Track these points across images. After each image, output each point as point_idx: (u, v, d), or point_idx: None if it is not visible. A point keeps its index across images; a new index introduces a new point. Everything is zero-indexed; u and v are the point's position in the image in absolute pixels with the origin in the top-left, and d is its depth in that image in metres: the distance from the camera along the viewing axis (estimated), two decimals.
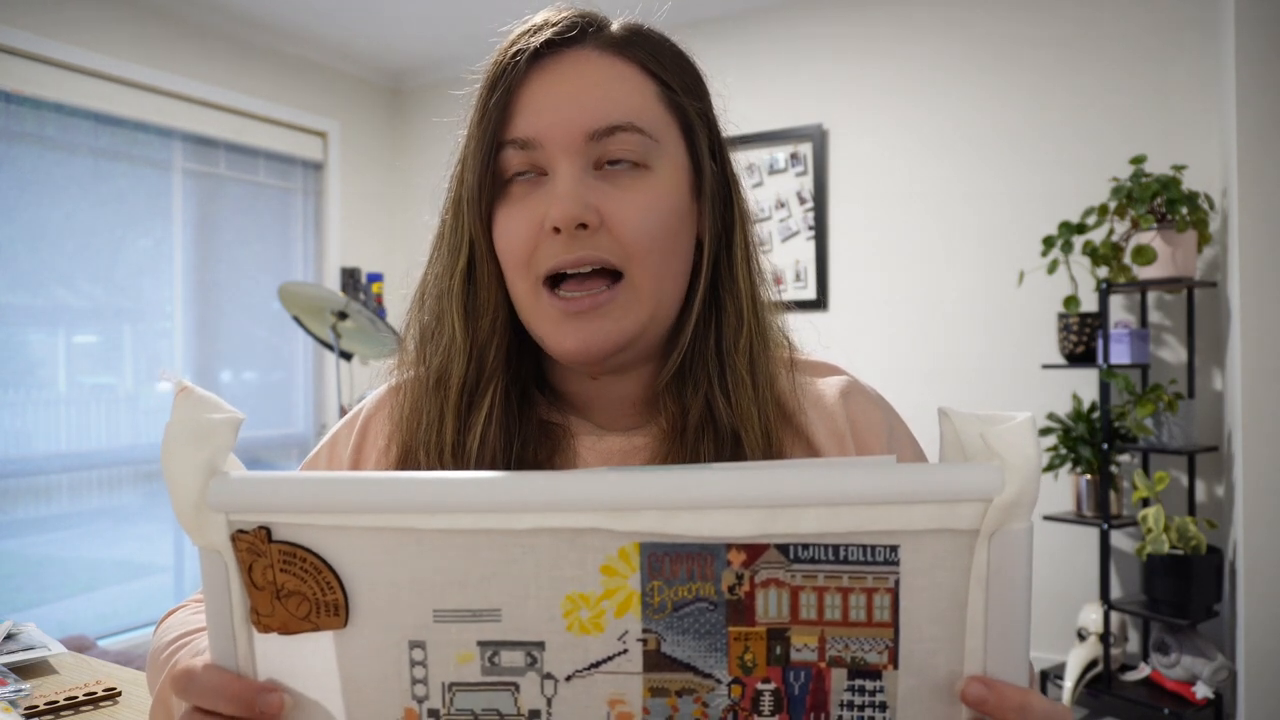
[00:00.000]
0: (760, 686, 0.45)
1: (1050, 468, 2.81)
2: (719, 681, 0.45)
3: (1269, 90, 2.32)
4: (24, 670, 1.11)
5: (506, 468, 0.67)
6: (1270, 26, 2.31)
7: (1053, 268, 2.76)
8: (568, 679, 0.45)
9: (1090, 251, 2.70)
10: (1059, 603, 2.96)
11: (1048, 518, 2.82)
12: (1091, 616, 2.73)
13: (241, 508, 0.44)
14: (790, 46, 3.53)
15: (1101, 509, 2.70)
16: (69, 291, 3.33)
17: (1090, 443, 2.75)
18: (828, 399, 0.72)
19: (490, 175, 0.65)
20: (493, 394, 0.67)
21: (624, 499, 0.43)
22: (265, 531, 0.45)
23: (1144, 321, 2.87)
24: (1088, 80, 2.98)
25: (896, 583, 0.44)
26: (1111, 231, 2.70)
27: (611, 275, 0.64)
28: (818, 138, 3.44)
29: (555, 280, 0.64)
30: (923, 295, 3.27)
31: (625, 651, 0.45)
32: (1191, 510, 2.74)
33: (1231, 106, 2.39)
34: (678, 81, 0.68)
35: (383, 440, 0.73)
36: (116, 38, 3.37)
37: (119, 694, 1.03)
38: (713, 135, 0.71)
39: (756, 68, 3.58)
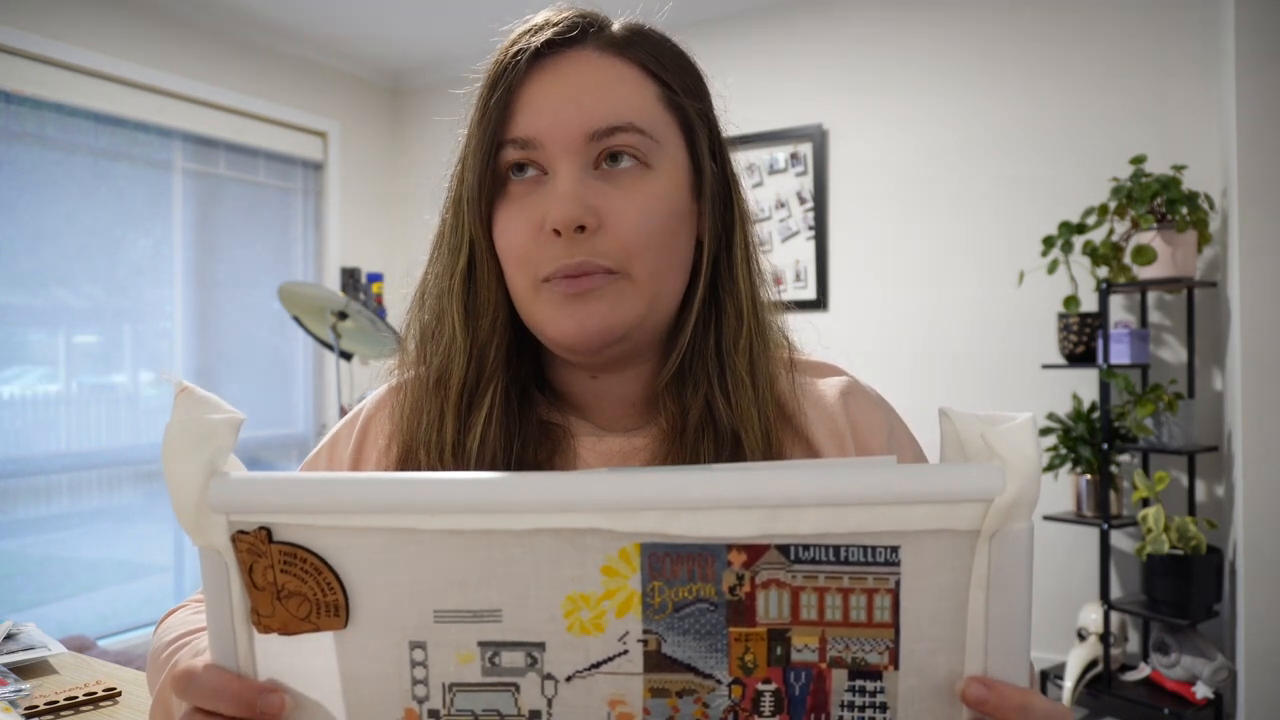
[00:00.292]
0: (761, 687, 0.45)
1: (1050, 468, 2.81)
2: (720, 682, 0.45)
3: (1269, 90, 2.32)
4: (24, 670, 1.11)
5: (506, 468, 0.67)
6: (1270, 27, 2.31)
7: (1053, 268, 2.76)
8: (568, 679, 0.45)
9: (1090, 251, 2.70)
10: (1059, 603, 2.96)
11: (1048, 518, 2.82)
12: (1091, 616, 2.73)
13: (242, 508, 0.44)
14: (790, 46, 3.53)
15: (1101, 509, 2.70)
16: (69, 291, 3.33)
17: (1090, 443, 2.75)
18: (828, 399, 0.72)
19: (490, 175, 0.65)
20: (493, 394, 0.67)
21: (625, 499, 0.43)
22: (266, 532, 0.45)
23: (1144, 321, 2.87)
24: (1087, 80, 2.98)
25: (897, 583, 0.44)
26: (1111, 231, 2.70)
27: (609, 274, 0.64)
28: (818, 138, 3.44)
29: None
30: (922, 295, 3.27)
31: (626, 652, 0.45)
32: (1191, 510, 2.74)
33: (1231, 106, 2.39)
34: (678, 82, 0.68)
35: (383, 440, 0.73)
36: (116, 38, 3.37)
37: (119, 694, 1.03)
38: (713, 136, 0.70)
39: (756, 68, 3.58)
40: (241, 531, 0.45)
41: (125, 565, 3.49)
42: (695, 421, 0.67)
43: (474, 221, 0.66)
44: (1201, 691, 2.49)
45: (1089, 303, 2.89)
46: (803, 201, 3.49)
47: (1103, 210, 2.68)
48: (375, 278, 4.27)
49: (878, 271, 3.36)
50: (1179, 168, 2.59)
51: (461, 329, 0.68)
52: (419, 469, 0.68)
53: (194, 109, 3.64)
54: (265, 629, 0.46)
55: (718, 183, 0.70)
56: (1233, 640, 2.48)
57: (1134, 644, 2.90)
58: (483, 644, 0.45)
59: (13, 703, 0.97)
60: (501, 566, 0.44)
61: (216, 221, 3.78)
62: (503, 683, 0.46)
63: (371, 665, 0.46)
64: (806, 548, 0.44)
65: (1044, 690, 2.79)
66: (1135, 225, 2.61)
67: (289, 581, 0.45)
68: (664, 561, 0.44)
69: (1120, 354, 2.70)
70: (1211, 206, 2.62)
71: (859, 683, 0.45)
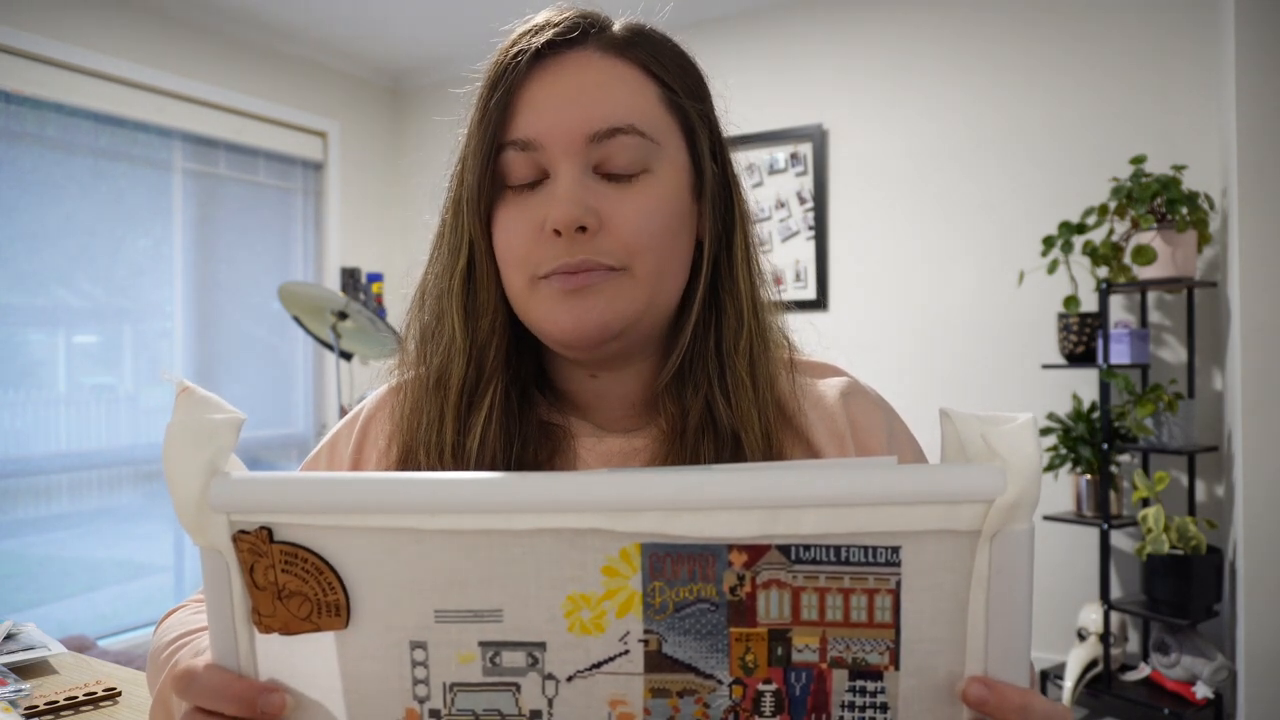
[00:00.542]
0: (761, 687, 0.45)
1: (1050, 468, 2.81)
2: (720, 682, 0.45)
3: (1269, 90, 2.32)
4: (24, 670, 1.11)
5: (506, 468, 0.67)
6: (1270, 26, 2.31)
7: (1053, 268, 2.76)
8: (569, 679, 0.45)
9: (1090, 251, 2.70)
10: (1059, 603, 2.96)
11: (1048, 518, 2.82)
12: (1091, 616, 2.73)
13: (243, 508, 0.44)
14: (790, 46, 3.53)
15: (1101, 509, 2.70)
16: (69, 291, 3.33)
17: (1090, 443, 2.75)
18: (828, 400, 0.72)
19: (490, 176, 0.65)
20: (492, 394, 0.67)
21: (625, 500, 0.43)
22: (267, 532, 0.45)
23: (1144, 321, 2.87)
24: (1087, 80, 2.98)
25: (898, 584, 0.44)
26: (1111, 231, 2.70)
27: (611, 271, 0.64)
28: (818, 138, 3.44)
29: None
30: (923, 295, 3.27)
31: (626, 652, 0.45)
32: (1191, 510, 2.74)
33: (1231, 106, 2.39)
34: (679, 83, 0.68)
35: (383, 440, 0.73)
36: (116, 38, 3.37)
37: (119, 694, 1.03)
38: (714, 137, 0.70)
39: (756, 68, 3.58)
40: (242, 531, 0.45)
41: (125, 565, 3.49)
42: (695, 422, 0.67)
43: (473, 222, 0.66)
44: (1201, 691, 2.49)
45: (1089, 303, 2.89)
46: (803, 201, 3.49)
47: (1103, 210, 2.68)
48: (375, 278, 4.27)
49: (878, 271, 3.36)
50: (1179, 168, 2.59)
51: (461, 329, 0.68)
52: (419, 469, 0.68)
53: (194, 109, 3.64)
54: (266, 629, 0.46)
55: (718, 184, 0.70)
56: (1233, 640, 2.48)
57: (1134, 644, 2.90)
58: (484, 644, 0.45)
59: (13, 703, 0.97)
60: (502, 566, 0.44)
61: (216, 221, 3.78)
62: (503, 683, 0.46)
63: (372, 665, 0.46)
64: (807, 548, 0.44)
65: (1044, 690, 2.79)
66: (1135, 225, 2.61)
67: (290, 581, 0.45)
68: (665, 562, 0.44)
69: (1120, 354, 2.70)
70: (1211, 206, 2.62)
71: (860, 683, 0.45)
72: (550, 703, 0.46)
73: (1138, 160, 2.64)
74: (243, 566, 0.45)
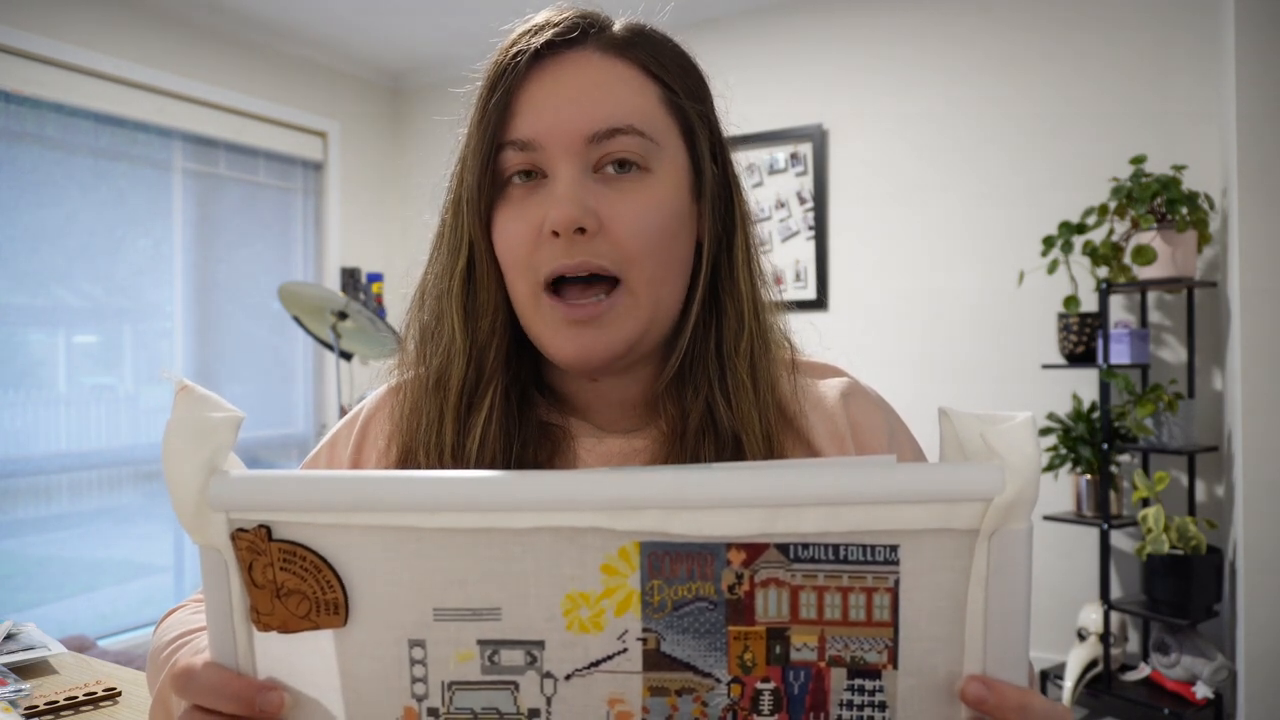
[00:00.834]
0: (760, 686, 0.45)
1: (1050, 468, 2.81)
2: (718, 681, 0.45)
3: (1269, 90, 2.32)
4: (24, 670, 1.11)
5: (506, 469, 0.67)
6: (1270, 27, 2.31)
7: (1053, 268, 2.76)
8: (567, 678, 0.45)
9: (1090, 251, 2.70)
10: (1059, 603, 2.96)
11: (1048, 518, 2.82)
12: (1091, 616, 2.73)
13: (242, 506, 0.44)
14: (790, 46, 3.53)
15: (1101, 509, 2.70)
16: (69, 291, 3.33)
17: (1090, 443, 2.75)
18: (828, 401, 0.71)
19: (489, 176, 0.65)
20: (492, 395, 0.67)
21: (624, 498, 0.43)
22: (265, 530, 0.45)
23: (1144, 321, 2.87)
24: (1088, 80, 2.98)
25: (896, 582, 0.44)
26: (1111, 231, 2.70)
27: (610, 281, 0.64)
28: (818, 138, 3.44)
29: (555, 284, 0.64)
30: (923, 295, 3.27)
31: (625, 650, 0.45)
32: (1191, 510, 2.74)
33: (1231, 106, 2.39)
34: (679, 84, 0.68)
35: (383, 441, 0.73)
36: (116, 38, 3.37)
37: (119, 694, 1.03)
38: (714, 137, 0.70)
39: (756, 68, 3.58)
40: (241, 529, 0.45)
41: (125, 565, 3.49)
42: (695, 424, 0.67)
43: (473, 222, 0.66)
44: (1201, 691, 2.49)
45: (1089, 303, 2.89)
46: (803, 201, 3.49)
47: (1103, 210, 2.68)
48: (375, 278, 4.27)
49: (878, 271, 3.36)
50: (1179, 168, 2.59)
51: (460, 330, 0.67)
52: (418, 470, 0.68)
53: (194, 109, 3.64)
54: (265, 627, 0.46)
55: (718, 184, 0.70)
56: (1233, 640, 2.48)
57: (1134, 644, 2.90)
58: (482, 642, 0.45)
59: (13, 703, 0.97)
60: (501, 565, 0.44)
61: (216, 221, 3.78)
62: (502, 681, 0.46)
63: (371, 663, 0.46)
64: (806, 546, 0.44)
65: (1044, 690, 2.79)
66: (1135, 225, 2.61)
67: (288, 579, 0.45)
68: (663, 560, 0.44)
69: (1120, 354, 2.70)
70: (1211, 206, 2.62)
71: (858, 681, 0.45)
72: (549, 701, 0.46)
73: (1138, 160, 2.64)
74: (241, 565, 0.45)
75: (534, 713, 0.46)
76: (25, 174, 3.16)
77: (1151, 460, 2.85)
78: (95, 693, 1.01)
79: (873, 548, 0.44)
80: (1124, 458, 2.89)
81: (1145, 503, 2.62)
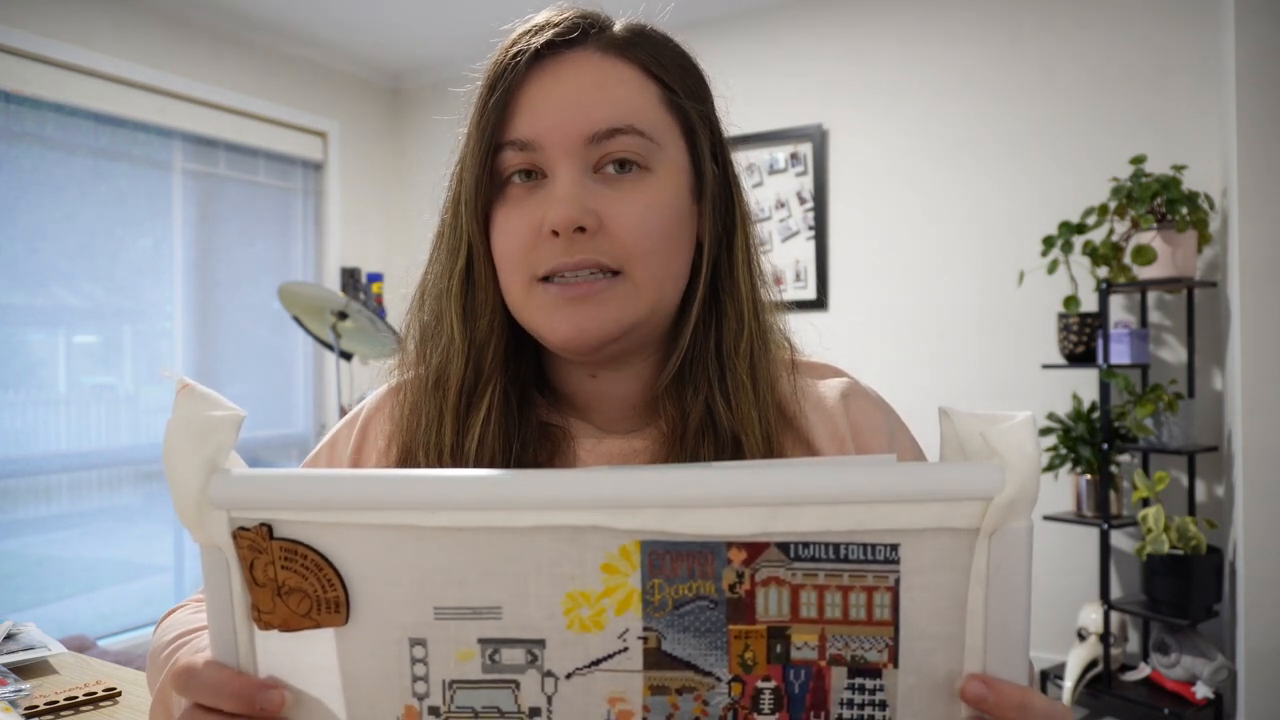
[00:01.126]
0: (760, 684, 0.45)
1: (1050, 468, 2.81)
2: (719, 679, 0.45)
3: (1269, 90, 2.32)
4: (24, 670, 1.11)
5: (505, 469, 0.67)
6: (1270, 27, 2.32)
7: (1053, 268, 2.76)
8: (568, 677, 0.45)
9: (1090, 251, 2.70)
10: (1059, 603, 2.96)
11: (1048, 518, 2.82)
12: (1091, 616, 2.73)
13: (243, 505, 0.44)
14: (790, 46, 3.53)
15: (1101, 509, 2.70)
16: (69, 291, 3.33)
17: (1090, 443, 2.75)
18: (828, 401, 0.71)
19: (489, 176, 0.65)
20: (491, 395, 0.67)
21: (625, 497, 0.43)
22: (266, 528, 0.45)
23: (1144, 321, 2.87)
24: (1088, 80, 2.98)
25: (897, 581, 0.44)
26: (1111, 231, 2.71)
27: (610, 273, 0.64)
28: (818, 138, 3.45)
29: (550, 278, 0.64)
30: (923, 295, 3.27)
31: (626, 649, 0.45)
32: (1191, 510, 2.74)
33: (1231, 106, 2.39)
34: (680, 84, 0.68)
35: (383, 441, 0.73)
36: (117, 38, 3.37)
37: (119, 694, 1.03)
38: (714, 137, 0.70)
39: (757, 67, 3.58)
40: (242, 528, 0.45)
41: (125, 565, 3.49)
42: (695, 424, 0.67)
43: (472, 222, 0.66)
44: (1201, 691, 2.49)
45: (1089, 303, 2.89)
46: (803, 201, 3.49)
47: (1103, 210, 2.68)
48: (375, 278, 4.27)
49: (878, 271, 3.36)
50: (1179, 168, 2.59)
51: (460, 330, 0.67)
52: None
53: (194, 109, 3.64)
54: (266, 625, 0.46)
55: (718, 185, 0.69)
56: (1233, 640, 2.48)
57: (1134, 644, 2.90)
58: (483, 641, 0.45)
59: (13, 703, 0.97)
60: (502, 563, 0.44)
61: (216, 221, 3.78)
62: (503, 680, 0.46)
63: (372, 662, 0.46)
64: (806, 545, 0.44)
65: (1044, 690, 2.79)
66: (1135, 225, 2.61)
67: (289, 578, 0.45)
68: (664, 559, 0.44)
69: (1120, 354, 2.70)
70: (1211, 206, 2.62)
71: (858, 680, 0.45)
72: (549, 700, 0.46)
73: (1138, 160, 2.64)
74: (242, 563, 0.45)
75: (535, 711, 0.46)
76: (25, 174, 3.16)
77: (1151, 460, 2.85)
78: (95, 693, 1.01)
79: (873, 547, 0.44)
80: (1124, 458, 2.89)
81: (1145, 503, 2.62)
